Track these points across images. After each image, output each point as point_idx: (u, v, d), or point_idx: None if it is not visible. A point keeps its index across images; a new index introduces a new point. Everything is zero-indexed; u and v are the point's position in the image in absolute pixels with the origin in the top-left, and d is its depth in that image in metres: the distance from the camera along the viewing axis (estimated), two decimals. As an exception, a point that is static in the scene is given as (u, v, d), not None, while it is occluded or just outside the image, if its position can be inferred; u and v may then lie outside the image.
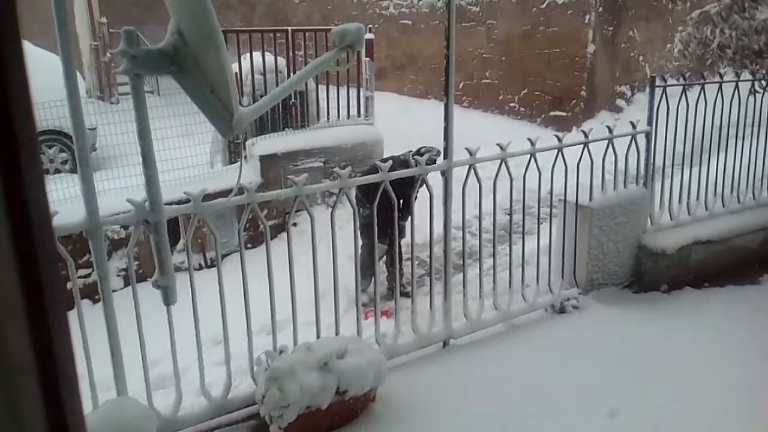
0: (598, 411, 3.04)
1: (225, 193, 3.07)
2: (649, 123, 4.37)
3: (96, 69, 11.40)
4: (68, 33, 2.32)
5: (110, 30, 11.38)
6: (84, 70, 11.28)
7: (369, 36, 7.49)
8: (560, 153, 3.96)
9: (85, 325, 2.67)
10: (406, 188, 3.61)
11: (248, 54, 7.28)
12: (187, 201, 2.84)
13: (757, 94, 4.96)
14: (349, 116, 7.68)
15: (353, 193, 3.60)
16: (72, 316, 2.61)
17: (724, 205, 4.94)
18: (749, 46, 4.75)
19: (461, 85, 10.89)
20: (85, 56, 11.46)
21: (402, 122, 8.55)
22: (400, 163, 3.63)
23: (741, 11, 4.84)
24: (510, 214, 3.99)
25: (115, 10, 12.46)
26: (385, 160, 3.35)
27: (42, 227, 0.48)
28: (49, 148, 7.75)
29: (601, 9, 9.27)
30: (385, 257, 5.20)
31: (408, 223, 4.14)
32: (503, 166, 3.72)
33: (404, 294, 4.63)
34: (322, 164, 7.18)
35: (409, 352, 3.59)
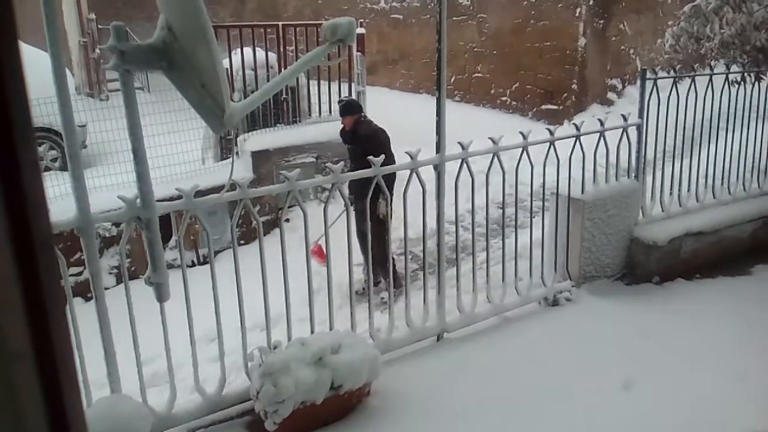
0: (591, 402, 3.06)
1: (217, 190, 3.06)
2: (640, 116, 4.39)
3: (85, 65, 11.33)
4: (57, 29, 2.30)
5: (99, 26, 11.31)
6: (73, 67, 11.21)
7: (360, 30, 7.46)
8: (552, 146, 3.96)
9: (78, 323, 2.66)
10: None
11: (239, 49, 7.25)
12: (179, 197, 2.83)
13: (745, 84, 4.98)
14: (340, 111, 7.65)
15: (346, 188, 3.60)
16: (64, 314, 2.59)
17: (714, 197, 4.97)
18: (749, 42, 4.76)
19: (453, 79, 10.89)
20: (74, 53, 11.38)
21: (394, 117, 8.53)
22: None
23: (737, 8, 4.84)
24: (503, 208, 3.99)
25: (103, 6, 12.37)
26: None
27: (38, 212, 0.48)
28: (39, 146, 7.69)
29: (591, 2, 9.28)
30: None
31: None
32: (495, 159, 3.73)
33: (396, 287, 4.64)
34: (314, 159, 7.17)
35: (403, 347, 3.59)
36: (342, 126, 5.61)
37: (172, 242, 5.91)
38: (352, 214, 3.45)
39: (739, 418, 2.90)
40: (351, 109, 5.56)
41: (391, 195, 3.56)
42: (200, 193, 2.90)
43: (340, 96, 7.55)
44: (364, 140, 5.13)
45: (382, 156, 3.37)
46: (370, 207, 3.47)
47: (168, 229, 5.26)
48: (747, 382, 3.15)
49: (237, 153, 7.05)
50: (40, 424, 0.49)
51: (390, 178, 3.62)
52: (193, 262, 6.38)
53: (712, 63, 4.84)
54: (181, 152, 6.49)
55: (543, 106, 9.85)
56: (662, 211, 4.70)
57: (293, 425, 2.83)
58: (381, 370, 3.11)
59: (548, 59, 9.71)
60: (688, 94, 4.51)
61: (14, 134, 0.46)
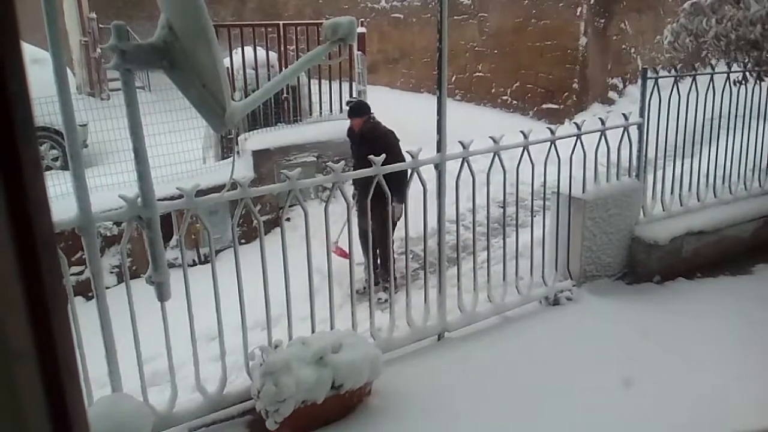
0: (592, 401, 3.06)
1: (218, 189, 3.06)
2: (641, 115, 4.38)
3: (86, 65, 11.35)
4: (58, 29, 2.30)
5: (100, 25, 11.33)
6: (74, 66, 11.21)
7: (361, 30, 7.46)
8: (553, 145, 3.96)
9: (79, 322, 2.66)
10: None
11: (239, 49, 7.25)
12: (180, 197, 2.83)
13: (747, 84, 4.98)
14: (341, 110, 7.67)
15: (350, 189, 3.60)
16: (65, 313, 2.59)
17: (715, 196, 4.96)
18: (744, 37, 4.76)
19: (454, 78, 10.88)
20: (75, 52, 11.39)
21: (395, 116, 8.53)
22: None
23: (736, 3, 4.84)
24: (503, 207, 3.99)
25: (104, 5, 12.38)
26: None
27: (40, 211, 0.48)
28: (40, 145, 7.69)
29: (592, 1, 9.28)
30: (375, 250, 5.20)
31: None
32: (496, 158, 3.73)
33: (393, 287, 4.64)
34: (315, 159, 7.17)
35: (404, 346, 3.59)
36: (350, 127, 5.62)
37: (173, 241, 5.91)
38: (354, 214, 3.45)
39: (739, 418, 2.89)
40: (360, 110, 5.55)
41: (397, 196, 3.56)
42: (201, 193, 2.90)
43: (341, 95, 7.56)
44: (372, 142, 5.13)
45: (383, 155, 3.37)
46: (384, 210, 3.47)
47: (169, 228, 5.27)
48: (747, 382, 3.15)
49: (238, 152, 7.05)
50: (41, 423, 0.49)
51: (401, 180, 3.60)
52: (194, 261, 6.38)
53: (713, 62, 4.83)
54: (182, 151, 6.49)
55: (544, 105, 9.84)
56: (663, 210, 4.70)
57: (294, 424, 2.83)
58: (382, 370, 3.11)
59: (549, 58, 9.71)
60: (689, 94, 4.50)
61: (16, 133, 0.46)
